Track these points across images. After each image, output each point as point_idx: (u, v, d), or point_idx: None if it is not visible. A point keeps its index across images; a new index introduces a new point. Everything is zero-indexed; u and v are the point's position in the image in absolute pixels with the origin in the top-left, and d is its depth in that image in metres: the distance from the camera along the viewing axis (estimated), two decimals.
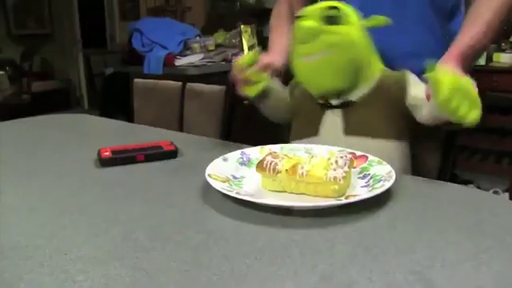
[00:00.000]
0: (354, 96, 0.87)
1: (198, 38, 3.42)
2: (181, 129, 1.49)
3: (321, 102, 0.89)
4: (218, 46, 3.47)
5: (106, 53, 4.36)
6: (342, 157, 0.68)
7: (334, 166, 0.66)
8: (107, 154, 0.86)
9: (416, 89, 0.83)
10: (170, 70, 3.07)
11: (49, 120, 1.35)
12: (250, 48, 3.70)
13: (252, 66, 0.87)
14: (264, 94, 0.92)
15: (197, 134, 1.42)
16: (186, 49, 3.31)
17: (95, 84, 3.95)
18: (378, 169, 0.71)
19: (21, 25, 6.35)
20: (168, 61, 3.08)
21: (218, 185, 0.65)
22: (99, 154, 0.86)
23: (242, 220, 0.59)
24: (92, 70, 3.94)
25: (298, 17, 0.85)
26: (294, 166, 0.65)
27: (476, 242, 0.52)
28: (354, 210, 0.60)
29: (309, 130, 0.91)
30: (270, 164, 0.67)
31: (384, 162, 0.72)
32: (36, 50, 6.33)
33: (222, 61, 3.25)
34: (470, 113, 0.67)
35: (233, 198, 0.62)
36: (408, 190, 0.68)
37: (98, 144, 0.92)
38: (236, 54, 3.37)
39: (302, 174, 0.64)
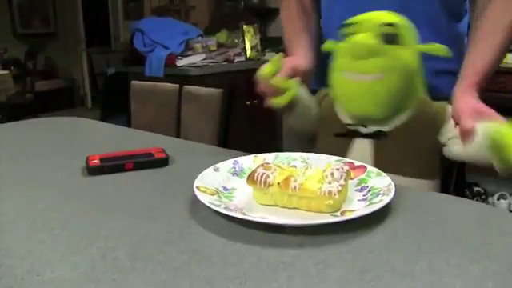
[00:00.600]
0: (390, 126, 0.80)
1: (200, 38, 3.39)
2: (178, 132, 1.45)
3: (350, 127, 0.83)
4: (220, 46, 3.43)
5: (108, 52, 4.32)
6: (338, 169, 0.64)
7: (330, 178, 0.62)
8: (95, 161, 0.83)
9: (450, 124, 0.79)
10: (171, 71, 3.04)
11: (41, 123, 1.32)
12: (253, 48, 3.67)
13: (276, 73, 0.81)
14: (292, 103, 0.84)
15: (194, 137, 1.39)
16: (187, 49, 3.27)
17: (97, 83, 3.92)
18: (376, 181, 0.67)
19: (26, 24, 6.36)
20: (169, 61, 3.05)
21: (205, 198, 0.61)
22: (87, 161, 0.83)
23: (229, 237, 0.55)
24: (94, 70, 3.90)
25: (347, 25, 0.78)
26: (287, 179, 0.61)
27: (482, 266, 0.48)
28: (349, 227, 0.56)
29: (335, 154, 0.82)
30: (261, 176, 0.63)
31: (383, 174, 0.68)
32: (40, 48, 6.32)
33: (224, 61, 3.22)
34: None
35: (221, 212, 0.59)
36: (408, 203, 0.64)
37: (88, 149, 0.89)
38: (238, 54, 3.33)
39: (295, 187, 0.60)
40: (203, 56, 3.21)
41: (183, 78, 2.95)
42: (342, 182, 0.61)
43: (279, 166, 0.67)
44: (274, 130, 2.64)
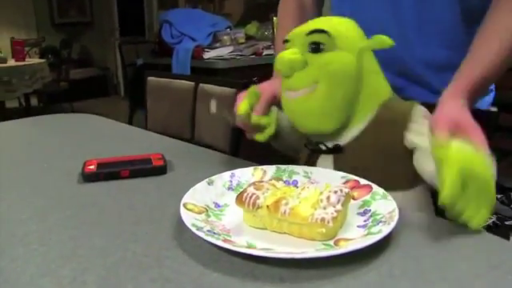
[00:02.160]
0: (348, 137, 0.72)
1: (228, 30, 3.34)
2: (192, 130, 1.42)
3: (309, 146, 0.77)
4: (249, 38, 3.38)
5: (139, 42, 4.34)
6: (336, 191, 0.58)
7: (325, 203, 0.56)
8: (91, 167, 0.80)
9: (417, 134, 0.68)
10: (198, 63, 3.01)
11: (52, 120, 1.31)
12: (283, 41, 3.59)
13: (254, 106, 0.78)
14: (276, 134, 0.81)
15: (207, 137, 1.36)
16: (215, 41, 3.24)
17: (127, 74, 3.94)
18: (380, 205, 0.61)
19: (63, 13, 6.48)
20: (196, 53, 3.02)
21: (190, 218, 0.57)
22: (83, 167, 0.80)
23: (207, 265, 0.51)
24: (124, 60, 3.92)
25: (285, 41, 0.73)
26: (277, 202, 0.57)
27: None
28: (341, 259, 0.50)
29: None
30: (251, 197, 0.58)
31: (389, 197, 0.62)
32: (76, 37, 6.44)
33: (252, 54, 3.16)
34: (476, 216, 0.57)
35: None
36: (410, 232, 0.58)
37: (91, 151, 0.88)
38: (267, 47, 3.27)
39: (285, 212, 0.55)
40: (231, 48, 3.17)
41: (209, 70, 2.92)
42: (338, 207, 0.56)
43: (273, 185, 0.62)
44: None
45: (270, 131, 0.79)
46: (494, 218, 2.52)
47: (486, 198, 0.57)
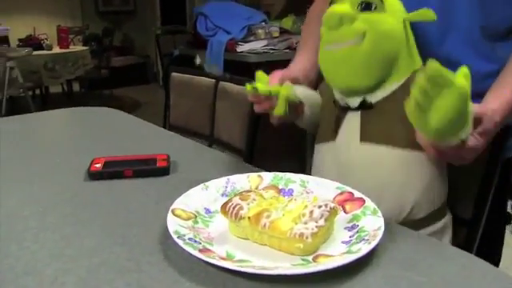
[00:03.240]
0: (378, 96, 0.75)
1: (263, 23, 3.33)
2: (212, 127, 1.43)
3: (338, 101, 0.79)
4: (283, 32, 3.36)
5: (177, 33, 4.39)
6: (320, 206, 0.58)
7: (307, 218, 0.56)
8: (98, 166, 0.83)
9: None
10: (231, 56, 3.03)
11: (74, 114, 1.36)
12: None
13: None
14: (294, 107, 0.81)
15: (225, 136, 1.37)
16: (250, 34, 3.24)
17: (163, 64, 4.01)
18: (369, 221, 0.61)
19: (107, 2, 6.63)
20: (230, 46, 3.03)
21: (174, 225, 0.59)
22: (90, 165, 0.83)
23: (183, 274, 0.52)
24: (161, 50, 3.98)
25: (332, 1, 0.76)
26: (258, 214, 0.57)
27: None
28: (318, 277, 0.50)
29: (328, 134, 0.81)
30: (234, 208, 0.59)
31: (379, 213, 0.62)
32: (119, 26, 6.58)
33: (286, 48, 3.13)
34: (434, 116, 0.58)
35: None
36: (396, 253, 0.57)
37: (105, 147, 0.92)
38: None
39: (265, 225, 0.56)
40: (265, 42, 3.16)
41: (242, 64, 2.93)
42: (320, 222, 0.56)
43: (261, 195, 0.63)
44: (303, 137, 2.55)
45: (282, 99, 0.77)
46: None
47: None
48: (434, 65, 0.55)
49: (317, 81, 0.93)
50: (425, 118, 0.60)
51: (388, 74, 0.74)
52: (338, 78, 0.77)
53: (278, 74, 0.84)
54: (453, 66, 0.83)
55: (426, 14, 0.70)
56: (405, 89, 0.71)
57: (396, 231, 0.62)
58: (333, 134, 0.79)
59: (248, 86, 0.76)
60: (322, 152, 0.83)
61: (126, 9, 6.85)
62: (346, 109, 0.78)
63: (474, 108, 0.63)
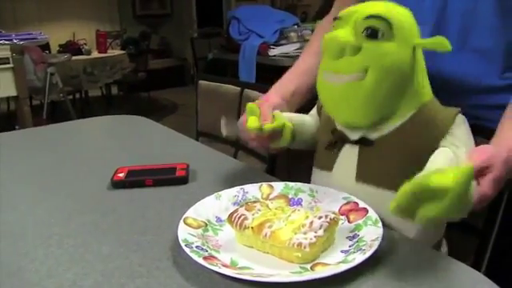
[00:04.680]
0: (380, 133, 0.70)
1: (295, 26, 3.36)
2: (237, 136, 1.47)
3: (337, 133, 0.74)
4: None
5: (212, 36, 4.47)
6: (321, 217, 0.61)
7: (306, 228, 0.60)
8: (121, 175, 0.88)
9: (452, 144, 0.66)
10: (263, 60, 3.07)
11: (104, 123, 1.43)
12: (333, 18, 3.54)
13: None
14: (293, 135, 0.80)
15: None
16: (282, 38, 3.27)
17: (197, 67, 4.09)
18: (369, 231, 0.63)
19: (145, 6, 6.81)
20: (262, 50, 3.08)
21: (184, 233, 0.63)
22: (114, 174, 0.89)
23: (189, 279, 0.57)
24: (195, 53, 4.06)
25: (335, 19, 0.70)
26: (261, 225, 0.61)
27: None
28: (317, 282, 0.53)
29: (324, 162, 0.77)
30: (239, 218, 0.63)
31: (379, 224, 0.64)
32: (156, 29, 6.74)
33: None
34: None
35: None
36: (391, 261, 0.59)
37: (128, 156, 0.99)
38: None
39: (266, 234, 0.60)
40: (297, 46, 3.19)
41: (274, 68, 2.96)
42: (319, 232, 0.59)
43: (266, 206, 0.66)
44: None
45: (286, 134, 0.78)
46: None
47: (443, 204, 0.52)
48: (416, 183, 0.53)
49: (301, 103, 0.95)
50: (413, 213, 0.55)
51: (392, 111, 0.69)
52: (337, 112, 0.72)
53: (268, 103, 0.82)
54: (469, 77, 0.85)
55: (441, 43, 0.64)
56: (409, 125, 0.68)
57: (396, 241, 0.64)
58: (329, 164, 0.76)
59: (251, 125, 0.75)
60: (318, 177, 0.80)
61: (163, 12, 7.00)
62: (345, 140, 0.73)
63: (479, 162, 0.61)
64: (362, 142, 0.71)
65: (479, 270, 0.80)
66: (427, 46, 0.67)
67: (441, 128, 0.67)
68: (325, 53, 0.70)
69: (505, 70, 0.83)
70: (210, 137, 1.58)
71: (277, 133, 0.78)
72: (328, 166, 0.77)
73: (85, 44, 4.85)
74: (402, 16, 0.67)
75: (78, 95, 5.05)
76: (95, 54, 4.64)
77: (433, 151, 0.66)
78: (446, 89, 0.86)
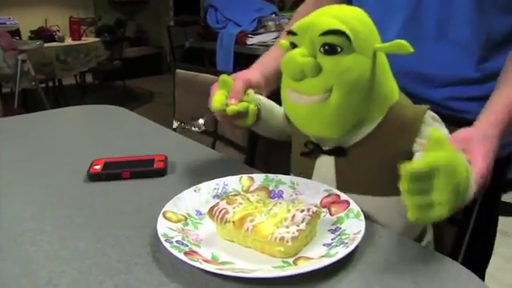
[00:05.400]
0: (352, 141, 0.69)
1: (273, 15, 3.34)
2: (216, 125, 1.46)
3: (309, 146, 0.74)
4: None
5: (188, 24, 4.41)
6: (303, 210, 0.61)
7: (288, 222, 0.59)
8: (97, 167, 0.86)
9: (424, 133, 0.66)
10: (241, 49, 3.05)
11: (78, 113, 1.39)
12: (287, 32, 3.55)
13: (228, 95, 0.76)
14: (258, 116, 0.80)
15: (228, 134, 1.39)
16: (260, 27, 3.25)
17: (174, 55, 4.04)
18: (351, 224, 0.63)
19: None
20: (240, 39, 3.06)
21: (163, 227, 0.61)
22: (90, 166, 0.87)
23: (168, 275, 0.55)
24: (172, 42, 4.01)
25: (290, 32, 0.67)
26: (243, 218, 0.60)
27: None
28: (299, 276, 0.53)
29: (303, 169, 0.77)
30: (220, 212, 0.62)
31: (361, 216, 0.63)
32: (132, 16, 6.62)
33: None
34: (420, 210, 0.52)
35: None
36: (375, 253, 0.59)
37: (106, 148, 0.97)
38: None
39: (248, 229, 0.59)
40: (275, 35, 3.17)
41: (252, 57, 2.94)
42: (301, 226, 0.58)
43: (247, 199, 0.65)
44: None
45: (252, 114, 0.77)
46: None
47: (452, 192, 0.51)
48: (408, 168, 0.50)
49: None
50: (429, 212, 0.53)
51: (361, 119, 0.68)
52: (306, 129, 0.71)
53: (242, 79, 0.80)
54: (445, 69, 0.85)
55: (402, 46, 0.61)
56: (380, 130, 0.68)
57: (378, 234, 0.64)
58: (308, 171, 0.76)
59: (214, 105, 0.74)
60: None
61: None
62: (319, 150, 0.73)
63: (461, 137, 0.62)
64: (336, 152, 0.71)
65: (457, 259, 0.82)
66: (387, 51, 0.65)
67: (411, 129, 0.66)
68: (284, 73, 0.68)
69: (480, 61, 0.83)
70: (175, 132, 1.56)
71: (242, 113, 0.76)
72: (306, 173, 0.76)
73: (58, 31, 4.73)
74: (359, 23, 0.65)
75: (51, 83, 4.93)
76: (69, 42, 4.52)
77: (408, 153, 0.66)
78: (423, 81, 0.86)
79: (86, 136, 1.17)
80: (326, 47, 0.63)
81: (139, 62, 6.53)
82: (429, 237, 0.78)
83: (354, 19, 0.64)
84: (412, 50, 0.61)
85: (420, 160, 0.50)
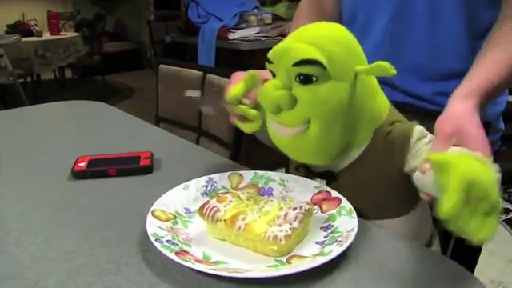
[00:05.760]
0: (344, 163, 0.69)
1: (255, 10, 3.32)
2: (200, 119, 1.45)
3: (300, 170, 0.74)
4: (276, 18, 3.34)
5: (169, 19, 4.37)
6: (295, 208, 0.60)
7: (281, 220, 0.58)
8: (82, 165, 0.84)
9: (416, 157, 0.63)
10: (223, 44, 3.02)
11: (60, 108, 1.36)
12: (266, 60, 3.55)
13: (247, 93, 0.71)
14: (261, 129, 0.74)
15: (213, 128, 1.38)
16: (242, 21, 3.22)
17: (155, 50, 3.99)
18: (343, 221, 0.62)
19: None
20: (221, 34, 3.03)
21: (153, 227, 0.60)
22: (74, 163, 0.85)
23: (160, 276, 0.54)
24: (153, 37, 3.97)
25: (266, 60, 0.65)
26: (234, 217, 0.59)
27: None
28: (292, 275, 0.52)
29: None
30: (211, 210, 0.61)
31: (354, 214, 0.63)
32: (111, 11, 6.52)
33: (279, 35, 3.13)
34: (483, 228, 0.47)
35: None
36: (368, 252, 0.59)
37: (90, 144, 0.95)
38: None
39: (240, 227, 0.58)
40: (257, 30, 3.15)
41: (234, 52, 2.93)
42: (294, 224, 0.58)
43: (238, 197, 0.64)
44: None
45: (255, 126, 0.73)
46: None
47: (491, 207, 0.47)
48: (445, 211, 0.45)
49: None
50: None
51: (348, 144, 0.66)
52: (293, 157, 0.70)
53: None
54: (433, 61, 0.85)
55: (384, 69, 0.58)
56: (369, 151, 0.67)
57: (370, 232, 0.64)
58: None
59: (231, 94, 0.70)
60: None
61: None
62: (310, 174, 0.73)
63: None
64: (327, 177, 0.71)
65: (445, 253, 0.82)
66: (369, 73, 0.62)
67: (400, 149, 0.65)
68: (263, 106, 0.67)
69: (468, 54, 0.83)
70: (170, 123, 1.54)
71: (249, 117, 0.73)
72: None
73: (35, 25, 4.62)
74: (337, 46, 0.61)
75: (29, 79, 4.83)
76: (47, 36, 4.43)
77: (401, 171, 0.65)
78: (410, 73, 0.86)
79: (68, 133, 1.15)
80: (301, 77, 0.61)
81: (119, 57, 6.44)
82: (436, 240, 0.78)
83: (331, 42, 0.61)
84: (395, 71, 0.57)
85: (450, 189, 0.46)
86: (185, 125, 1.49)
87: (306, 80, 0.61)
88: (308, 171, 0.74)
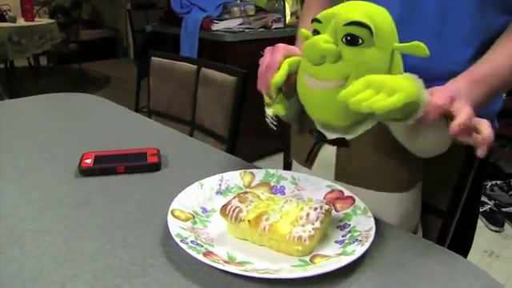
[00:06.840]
0: (356, 133, 0.71)
1: (238, 1, 3.30)
2: (193, 115, 1.44)
3: (314, 133, 0.75)
4: (259, 10, 3.34)
5: (148, 8, 4.29)
6: (316, 208, 0.61)
7: (304, 220, 0.59)
8: (88, 161, 0.83)
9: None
10: (206, 35, 2.99)
11: (54, 101, 1.34)
12: (293, 14, 3.55)
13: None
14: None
15: (208, 122, 1.38)
16: (225, 12, 3.20)
17: (135, 39, 3.92)
18: (360, 220, 0.64)
19: None
20: (205, 24, 3.00)
21: (175, 227, 0.60)
22: (81, 160, 0.84)
23: (188, 277, 0.54)
24: (133, 25, 3.89)
25: (315, 20, 0.69)
26: (258, 217, 0.60)
27: None
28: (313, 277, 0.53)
29: (303, 159, 0.77)
30: (234, 210, 0.61)
31: (369, 213, 0.65)
32: None
33: (261, 27, 3.12)
34: (392, 97, 0.56)
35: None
36: (386, 250, 0.61)
37: (92, 139, 0.94)
38: (277, 20, 3.23)
39: (265, 228, 0.59)
40: (240, 21, 3.14)
41: (217, 43, 2.91)
42: (316, 224, 0.59)
43: (258, 197, 0.65)
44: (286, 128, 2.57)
45: (277, 110, 0.75)
46: (491, 204, 2.55)
47: (391, 89, 0.57)
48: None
49: None
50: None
51: (368, 114, 0.67)
52: (316, 114, 0.72)
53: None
54: (440, 64, 0.87)
55: (419, 48, 0.62)
56: (382, 124, 0.69)
57: (385, 230, 0.65)
58: (309, 162, 0.77)
59: (276, 79, 0.71)
60: (299, 171, 0.80)
61: None
62: (323, 138, 0.74)
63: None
64: (339, 143, 0.72)
65: (443, 246, 0.85)
66: (405, 51, 0.66)
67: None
68: (305, 57, 0.69)
69: (473, 56, 0.85)
70: (163, 116, 1.53)
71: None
72: (308, 164, 0.77)
73: (8, 10, 4.47)
74: (383, 20, 0.66)
75: (2, 65, 4.69)
76: (21, 22, 4.29)
77: (403, 146, 0.69)
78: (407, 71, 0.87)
79: (66, 127, 1.13)
80: (348, 37, 0.64)
81: (94, 45, 6.32)
82: (420, 232, 0.81)
83: (378, 16, 0.66)
84: (428, 52, 0.61)
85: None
86: (177, 118, 1.49)
87: (352, 41, 0.64)
88: (320, 136, 0.74)
